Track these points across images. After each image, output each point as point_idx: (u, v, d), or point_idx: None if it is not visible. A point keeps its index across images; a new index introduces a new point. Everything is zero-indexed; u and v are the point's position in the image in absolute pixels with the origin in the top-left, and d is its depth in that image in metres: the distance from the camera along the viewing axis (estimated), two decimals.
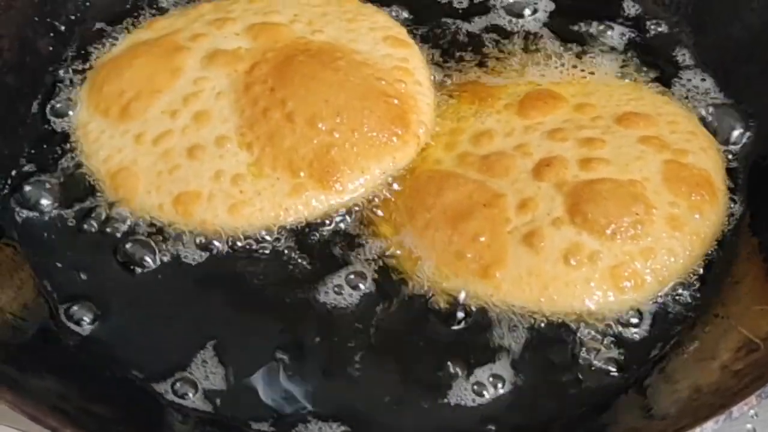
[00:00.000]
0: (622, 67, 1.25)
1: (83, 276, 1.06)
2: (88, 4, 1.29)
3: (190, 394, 0.97)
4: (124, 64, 1.21)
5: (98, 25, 1.27)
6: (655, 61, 1.26)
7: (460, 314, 1.03)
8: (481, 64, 1.26)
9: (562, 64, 1.27)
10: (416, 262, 1.07)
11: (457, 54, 1.27)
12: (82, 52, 1.25)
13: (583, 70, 1.25)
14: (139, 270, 1.06)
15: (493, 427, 0.95)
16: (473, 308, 1.03)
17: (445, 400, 0.97)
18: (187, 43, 1.21)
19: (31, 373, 0.90)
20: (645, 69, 1.25)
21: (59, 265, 1.07)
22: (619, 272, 1.02)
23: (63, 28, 1.26)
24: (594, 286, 1.02)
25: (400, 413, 0.96)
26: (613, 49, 1.26)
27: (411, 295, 1.04)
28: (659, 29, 1.29)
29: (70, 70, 1.23)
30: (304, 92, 1.14)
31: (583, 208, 1.04)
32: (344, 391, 0.98)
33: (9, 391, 0.82)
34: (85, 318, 1.03)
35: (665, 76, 1.22)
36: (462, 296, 1.04)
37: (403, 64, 1.21)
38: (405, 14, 1.29)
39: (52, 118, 1.19)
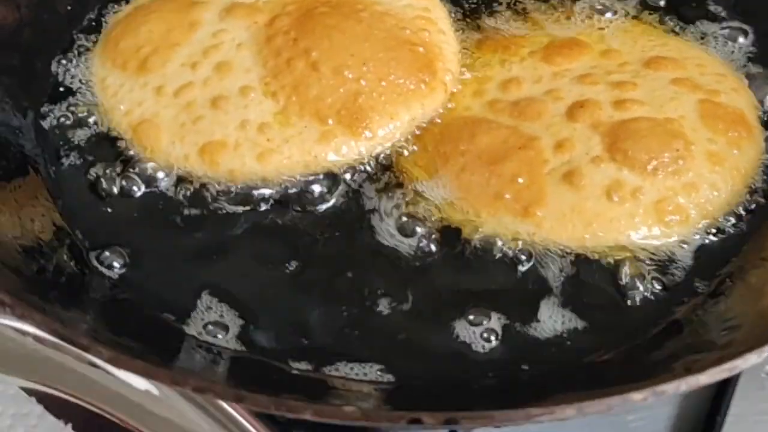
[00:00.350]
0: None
1: (112, 226, 1.01)
2: None
3: (221, 335, 0.94)
4: (139, 20, 1.17)
5: None
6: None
7: (500, 254, 0.98)
8: (497, 18, 1.22)
9: (582, 20, 1.23)
10: (451, 205, 1.03)
11: (474, 8, 1.23)
12: (102, 14, 1.22)
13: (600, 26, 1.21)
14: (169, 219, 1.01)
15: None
16: (512, 247, 0.99)
17: (491, 342, 0.93)
18: None
19: (59, 306, 0.85)
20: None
21: (89, 214, 1.03)
22: (663, 207, 1.00)
23: None
24: (639, 221, 0.99)
25: (444, 357, 0.92)
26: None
27: (446, 237, 1.01)
28: None
29: (88, 32, 1.20)
30: (328, 43, 1.10)
31: (623, 145, 1.02)
32: (381, 335, 0.93)
33: (38, 313, 0.77)
34: (115, 263, 0.99)
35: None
36: (500, 239, 1.00)
37: (426, 14, 1.18)
38: None
39: (69, 75, 1.15)
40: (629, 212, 1.00)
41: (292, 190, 1.05)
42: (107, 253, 1.00)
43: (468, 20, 1.22)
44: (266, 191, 1.05)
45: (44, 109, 1.12)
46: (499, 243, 1.00)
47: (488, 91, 1.13)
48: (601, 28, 1.22)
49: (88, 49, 1.18)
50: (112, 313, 0.93)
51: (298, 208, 1.03)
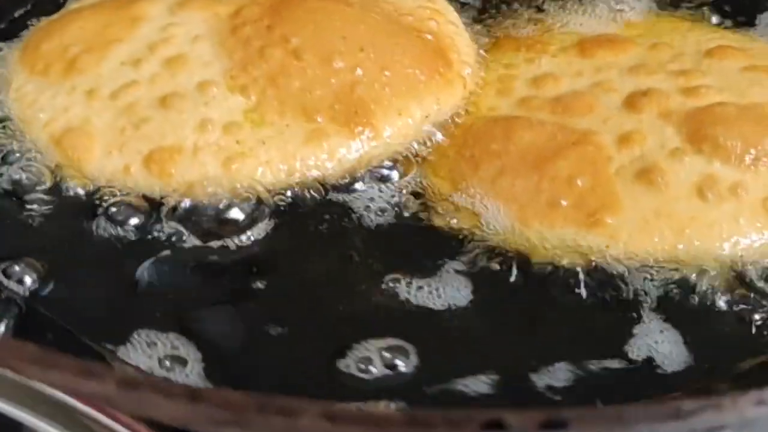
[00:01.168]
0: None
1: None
2: None
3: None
4: (67, 20, 0.91)
5: None
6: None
7: (566, 277, 0.70)
8: (514, 18, 0.98)
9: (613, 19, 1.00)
10: (488, 220, 0.75)
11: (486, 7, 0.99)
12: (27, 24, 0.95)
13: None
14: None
15: None
16: (582, 267, 0.71)
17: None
18: None
19: None
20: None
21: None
22: None
23: None
24: (744, 223, 0.72)
25: None
26: None
27: (487, 267, 0.73)
28: None
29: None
30: (312, 27, 0.85)
31: (711, 133, 0.77)
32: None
33: None
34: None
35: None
36: (564, 258, 0.72)
37: (430, 4, 0.93)
38: None
39: None
40: (731, 213, 0.73)
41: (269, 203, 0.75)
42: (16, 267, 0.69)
43: (481, 20, 0.96)
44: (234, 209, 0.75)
45: None
46: (564, 262, 0.72)
47: (516, 89, 0.88)
48: (637, 26, 0.98)
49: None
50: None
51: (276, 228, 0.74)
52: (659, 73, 0.87)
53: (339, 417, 0.45)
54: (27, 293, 0.72)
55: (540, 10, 1.00)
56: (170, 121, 0.80)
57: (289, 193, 0.77)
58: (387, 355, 0.66)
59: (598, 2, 1.01)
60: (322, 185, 0.78)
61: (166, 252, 0.73)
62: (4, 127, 0.84)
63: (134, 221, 0.76)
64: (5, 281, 0.72)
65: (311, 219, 0.76)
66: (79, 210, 0.77)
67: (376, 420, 0.45)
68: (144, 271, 0.72)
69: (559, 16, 1.00)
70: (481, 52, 0.94)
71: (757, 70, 0.88)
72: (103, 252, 0.74)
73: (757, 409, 0.44)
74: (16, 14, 0.96)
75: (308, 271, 0.73)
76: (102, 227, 0.75)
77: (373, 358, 0.66)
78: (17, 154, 0.81)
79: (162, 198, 0.77)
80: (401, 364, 0.66)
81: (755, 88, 0.84)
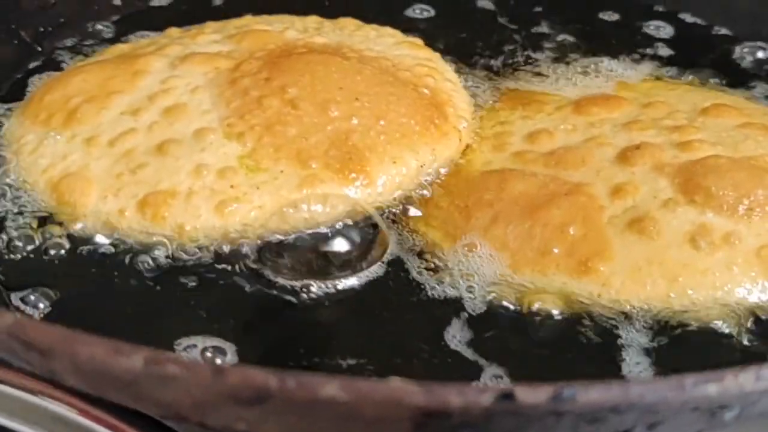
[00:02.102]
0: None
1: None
2: (62, 20, 1.02)
3: None
4: (72, 74, 0.92)
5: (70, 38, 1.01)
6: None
7: (559, 323, 0.68)
8: (512, 77, 0.98)
9: (599, 75, 1.00)
10: (478, 268, 0.74)
11: (483, 63, 0.99)
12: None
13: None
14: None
15: None
16: (573, 314, 0.69)
17: None
18: (155, 51, 0.93)
19: None
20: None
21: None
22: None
23: (29, 38, 0.99)
24: (738, 272, 0.70)
25: None
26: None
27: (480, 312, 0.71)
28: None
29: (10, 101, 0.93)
30: (309, 78, 0.85)
31: (703, 183, 0.76)
32: None
33: None
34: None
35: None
36: (554, 305, 0.70)
37: (428, 63, 0.94)
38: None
39: None
40: (725, 262, 0.71)
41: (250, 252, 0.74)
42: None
43: (482, 79, 0.97)
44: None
45: None
46: (555, 312, 0.70)
47: (512, 144, 0.88)
48: (634, 87, 0.98)
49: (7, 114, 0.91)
50: None
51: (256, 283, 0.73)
52: (653, 128, 0.86)
53: (356, 389, 0.43)
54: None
55: (539, 74, 1.00)
56: (166, 166, 0.79)
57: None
58: None
59: (597, 65, 1.01)
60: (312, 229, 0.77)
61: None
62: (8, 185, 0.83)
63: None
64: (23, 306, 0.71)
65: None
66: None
67: (392, 390, 0.44)
68: None
69: (558, 78, 1.00)
70: (479, 108, 0.93)
71: (751, 127, 0.87)
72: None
73: (757, 383, 0.43)
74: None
75: None
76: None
77: None
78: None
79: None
80: None
81: (749, 143, 0.84)
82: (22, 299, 0.72)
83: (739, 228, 0.74)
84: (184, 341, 0.68)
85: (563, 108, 0.93)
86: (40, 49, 0.99)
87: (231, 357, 0.68)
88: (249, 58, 0.90)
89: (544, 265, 0.74)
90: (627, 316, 0.70)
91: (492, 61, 1.01)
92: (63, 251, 0.76)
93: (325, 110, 0.82)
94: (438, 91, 0.89)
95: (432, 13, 1.10)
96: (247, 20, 1.02)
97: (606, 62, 1.02)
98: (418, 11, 1.10)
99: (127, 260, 0.75)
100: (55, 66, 0.98)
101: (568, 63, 1.03)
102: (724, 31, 1.07)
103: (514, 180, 0.81)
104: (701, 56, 1.04)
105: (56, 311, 0.72)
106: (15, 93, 0.94)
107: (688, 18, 1.10)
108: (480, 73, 1.00)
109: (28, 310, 0.71)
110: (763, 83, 1.01)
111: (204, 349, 0.68)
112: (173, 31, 1.00)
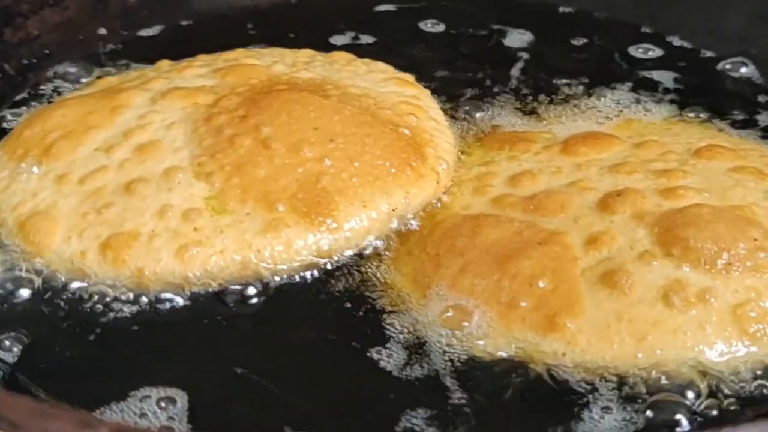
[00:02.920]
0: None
1: None
2: (46, 51, 1.01)
3: None
4: (53, 108, 0.91)
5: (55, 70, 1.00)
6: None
7: (518, 385, 0.65)
8: (500, 115, 0.95)
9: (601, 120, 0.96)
10: (442, 321, 0.71)
11: (471, 103, 0.96)
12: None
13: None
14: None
15: None
16: (534, 374, 0.65)
17: None
18: (138, 86, 0.91)
19: None
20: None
21: None
22: (743, 313, 0.67)
23: (13, 72, 0.99)
24: (711, 332, 0.66)
25: None
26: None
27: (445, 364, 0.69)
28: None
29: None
30: (285, 118, 0.83)
31: (682, 235, 0.72)
32: None
33: None
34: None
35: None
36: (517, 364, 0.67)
37: (414, 101, 0.91)
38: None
39: None
40: (698, 321, 0.67)
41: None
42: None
43: (467, 117, 0.93)
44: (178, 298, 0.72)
45: None
46: (514, 373, 0.67)
47: (493, 187, 0.84)
48: (630, 124, 0.94)
49: None
50: None
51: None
52: (641, 171, 0.83)
53: None
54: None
55: (531, 112, 0.97)
56: (131, 207, 0.77)
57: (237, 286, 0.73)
58: None
59: (594, 101, 0.98)
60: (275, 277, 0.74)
61: None
62: None
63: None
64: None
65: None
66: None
67: None
68: None
69: (549, 116, 0.96)
70: (462, 151, 0.90)
71: (744, 171, 0.83)
72: None
73: None
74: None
75: None
76: None
77: None
78: None
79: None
80: None
81: (738, 190, 0.80)
82: None
83: (716, 284, 0.70)
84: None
85: (551, 148, 0.90)
86: (23, 80, 0.98)
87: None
88: (229, 93, 0.88)
89: (510, 319, 0.70)
90: (592, 379, 0.66)
91: (483, 99, 0.98)
92: (30, 292, 0.75)
93: (298, 151, 0.80)
94: (419, 130, 0.86)
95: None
96: (238, 53, 1.00)
97: (603, 99, 0.98)
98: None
99: (90, 305, 0.73)
100: (41, 98, 0.97)
101: (567, 100, 0.99)
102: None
103: (488, 227, 0.77)
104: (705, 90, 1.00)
105: (28, 355, 0.70)
106: None
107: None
108: (471, 109, 0.96)
109: (3, 355, 0.70)
110: None
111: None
112: (163, 64, 0.99)
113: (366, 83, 0.93)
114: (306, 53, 1.00)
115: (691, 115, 0.97)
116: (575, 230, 0.76)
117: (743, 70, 1.02)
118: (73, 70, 1.01)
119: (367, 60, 1.00)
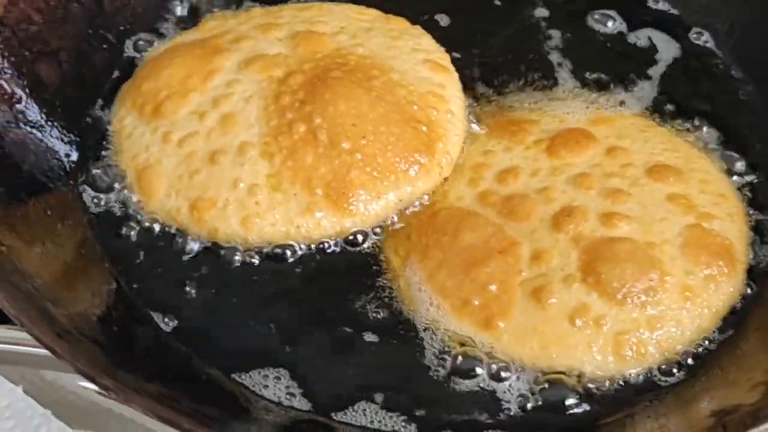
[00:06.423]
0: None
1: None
2: (132, 18, 1.17)
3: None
4: (165, 63, 1.09)
5: (146, 36, 1.17)
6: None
7: (453, 361, 0.91)
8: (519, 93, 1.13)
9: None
10: (416, 299, 0.96)
11: (495, 80, 1.14)
12: (141, 51, 1.16)
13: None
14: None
15: None
16: (464, 358, 0.91)
17: None
18: (230, 46, 1.10)
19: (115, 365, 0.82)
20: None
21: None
22: (623, 339, 0.90)
23: (115, 39, 1.15)
24: (596, 350, 0.90)
25: None
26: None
27: (408, 332, 0.94)
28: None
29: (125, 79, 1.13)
30: (332, 110, 1.02)
31: (598, 268, 0.92)
32: None
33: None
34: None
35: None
36: (457, 347, 0.92)
37: (439, 90, 1.08)
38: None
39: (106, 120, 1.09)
40: (588, 340, 0.91)
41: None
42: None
43: (482, 94, 1.11)
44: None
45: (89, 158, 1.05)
46: (455, 351, 0.92)
47: (485, 180, 1.03)
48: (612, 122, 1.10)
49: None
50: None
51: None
52: (596, 188, 0.99)
53: None
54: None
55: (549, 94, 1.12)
56: (214, 176, 1.00)
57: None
58: None
59: (601, 95, 1.13)
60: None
61: None
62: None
63: None
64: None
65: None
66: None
67: None
68: None
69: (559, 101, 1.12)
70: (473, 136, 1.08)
71: (677, 201, 0.99)
72: None
73: None
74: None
75: None
76: None
77: None
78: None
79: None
80: None
81: (662, 225, 0.96)
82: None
83: (612, 313, 0.91)
84: None
85: (540, 143, 1.06)
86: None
87: None
88: (297, 70, 1.07)
89: (462, 313, 0.94)
90: (510, 369, 0.92)
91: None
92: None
93: (337, 144, 1.00)
94: (435, 125, 1.05)
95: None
96: (314, 11, 1.15)
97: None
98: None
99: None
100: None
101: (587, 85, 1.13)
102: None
103: (467, 229, 0.97)
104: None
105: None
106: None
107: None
108: (489, 88, 1.13)
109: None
110: None
111: None
112: (255, 12, 1.17)
113: (406, 65, 1.10)
114: (370, 16, 1.16)
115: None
116: (528, 243, 0.96)
117: None
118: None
119: (418, 29, 1.15)
